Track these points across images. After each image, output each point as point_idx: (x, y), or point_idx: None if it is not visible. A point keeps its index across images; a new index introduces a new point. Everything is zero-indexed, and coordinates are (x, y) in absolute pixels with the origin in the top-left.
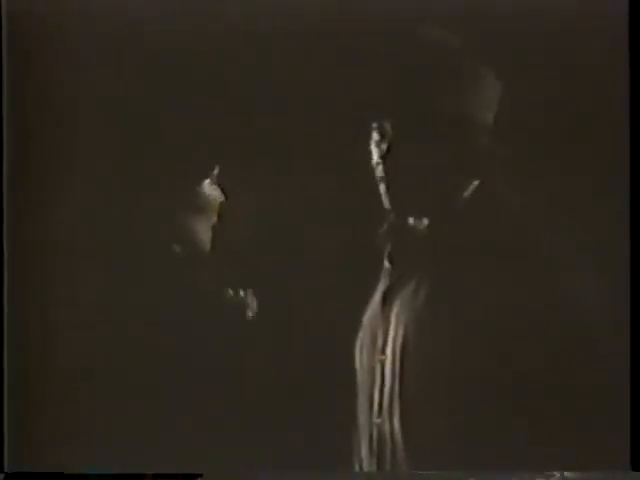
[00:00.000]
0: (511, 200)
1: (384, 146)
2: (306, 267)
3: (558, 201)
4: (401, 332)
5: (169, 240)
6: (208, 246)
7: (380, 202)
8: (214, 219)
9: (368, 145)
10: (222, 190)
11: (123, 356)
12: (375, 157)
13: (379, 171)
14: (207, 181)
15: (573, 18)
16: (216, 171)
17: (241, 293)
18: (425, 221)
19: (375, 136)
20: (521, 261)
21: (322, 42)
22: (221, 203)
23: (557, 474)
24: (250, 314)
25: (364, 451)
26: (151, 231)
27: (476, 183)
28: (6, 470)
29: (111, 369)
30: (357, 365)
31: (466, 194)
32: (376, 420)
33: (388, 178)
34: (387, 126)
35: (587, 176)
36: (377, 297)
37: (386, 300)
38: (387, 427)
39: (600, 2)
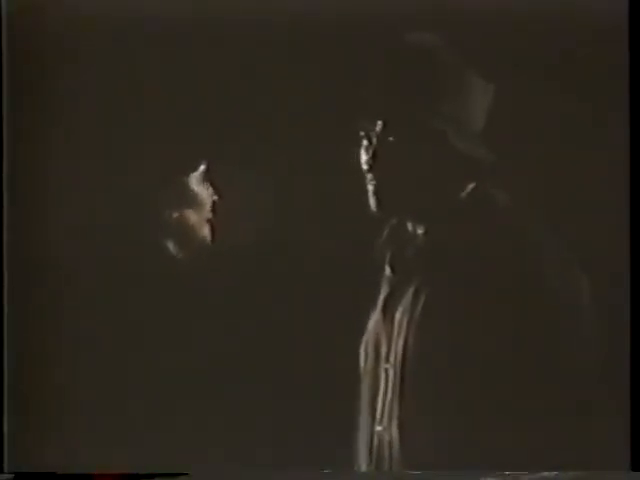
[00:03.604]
0: (508, 203)
1: (371, 150)
2: (308, 274)
3: (556, 203)
4: (402, 339)
5: (167, 238)
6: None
7: (379, 209)
8: (209, 214)
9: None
10: (214, 188)
11: (124, 356)
12: (364, 162)
13: (369, 176)
14: (196, 176)
15: (572, 18)
16: (203, 167)
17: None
18: (423, 227)
19: (364, 141)
20: (521, 265)
21: (313, 44)
22: (214, 202)
23: (557, 474)
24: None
25: (363, 458)
26: (150, 230)
27: (472, 186)
28: (6, 470)
29: (111, 369)
30: (361, 372)
31: (463, 198)
32: (377, 428)
33: (383, 183)
34: (373, 131)
35: (586, 177)
36: (379, 304)
37: (388, 307)
38: (386, 434)
39: (600, 2)
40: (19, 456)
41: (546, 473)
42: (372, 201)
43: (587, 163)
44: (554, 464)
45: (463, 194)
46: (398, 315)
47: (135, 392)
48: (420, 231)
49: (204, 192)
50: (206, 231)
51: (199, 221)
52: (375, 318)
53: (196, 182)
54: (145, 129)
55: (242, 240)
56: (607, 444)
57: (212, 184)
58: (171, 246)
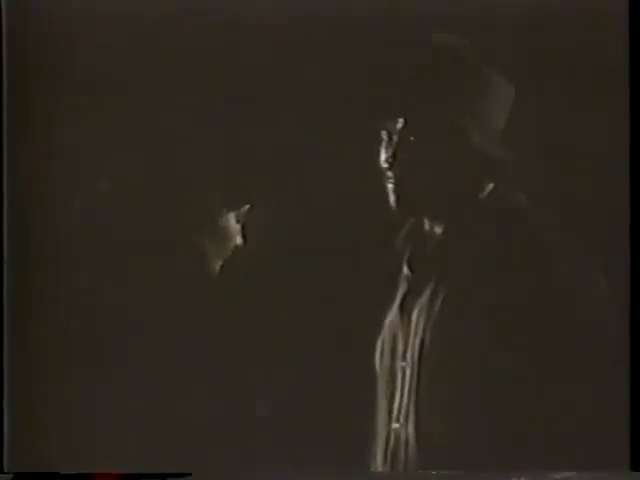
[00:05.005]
0: (526, 203)
1: (391, 149)
2: (326, 274)
3: (574, 204)
4: (419, 338)
5: (177, 253)
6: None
7: (398, 207)
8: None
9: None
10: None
11: (123, 357)
12: (383, 160)
13: (389, 175)
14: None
15: (589, 20)
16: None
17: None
18: (442, 226)
19: (384, 140)
20: (538, 265)
21: (334, 43)
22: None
23: (557, 474)
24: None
25: (379, 454)
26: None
27: (491, 186)
28: (6, 470)
29: (111, 369)
30: (377, 370)
31: (482, 198)
32: (394, 425)
33: (403, 182)
34: (394, 129)
35: (605, 177)
36: (397, 302)
37: (405, 305)
38: (403, 433)
39: (600, 2)
40: (19, 456)
41: (547, 473)
42: (391, 200)
43: (606, 163)
44: (555, 464)
45: (482, 194)
46: (415, 314)
47: (136, 392)
48: (438, 230)
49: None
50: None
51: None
52: (392, 317)
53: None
54: (164, 135)
55: (254, 243)
56: (607, 444)
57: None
58: (181, 268)
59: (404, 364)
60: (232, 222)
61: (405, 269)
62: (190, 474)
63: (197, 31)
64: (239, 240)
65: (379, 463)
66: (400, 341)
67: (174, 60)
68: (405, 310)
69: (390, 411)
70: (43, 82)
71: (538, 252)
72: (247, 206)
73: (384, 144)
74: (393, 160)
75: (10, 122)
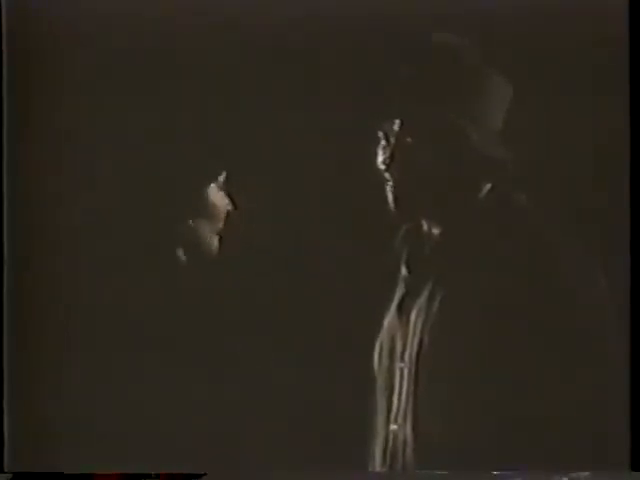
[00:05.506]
0: (525, 204)
1: (389, 150)
2: (324, 275)
3: (573, 203)
4: (418, 338)
5: (174, 244)
6: (215, 251)
7: (396, 208)
8: (220, 225)
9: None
10: (231, 198)
11: (123, 356)
12: (381, 162)
13: (387, 176)
14: (214, 186)
15: (588, 20)
16: (223, 177)
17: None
18: (440, 227)
19: (382, 141)
20: (537, 265)
21: (331, 44)
22: (229, 212)
23: (558, 474)
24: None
25: (378, 454)
26: (156, 234)
27: (488, 186)
28: (6, 470)
29: (111, 369)
30: (376, 371)
31: (480, 199)
32: (393, 426)
33: (400, 183)
34: (391, 130)
35: (604, 177)
36: (395, 303)
37: (404, 306)
38: (401, 433)
39: (600, 2)
40: (19, 456)
41: (547, 473)
42: (389, 201)
43: (606, 163)
44: (555, 464)
45: (480, 194)
46: (413, 315)
47: (137, 391)
48: (436, 231)
49: (219, 202)
50: (215, 242)
51: (210, 231)
52: (390, 318)
53: (212, 192)
54: (164, 134)
55: (251, 245)
56: (607, 444)
57: (228, 194)
58: (179, 254)
59: (403, 365)
60: (217, 194)
61: (403, 270)
62: (205, 474)
63: (197, 31)
64: (230, 206)
65: (378, 463)
66: (398, 342)
67: (174, 60)
68: (404, 311)
69: (389, 411)
70: (43, 82)
71: (538, 252)
72: (224, 173)
73: (381, 145)
74: (391, 161)
75: (10, 122)
